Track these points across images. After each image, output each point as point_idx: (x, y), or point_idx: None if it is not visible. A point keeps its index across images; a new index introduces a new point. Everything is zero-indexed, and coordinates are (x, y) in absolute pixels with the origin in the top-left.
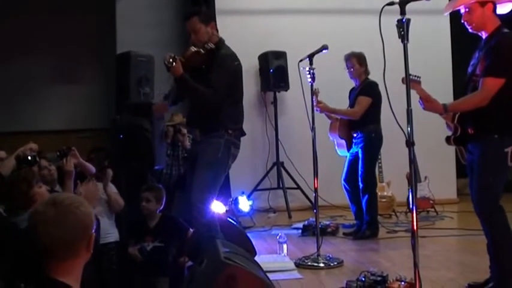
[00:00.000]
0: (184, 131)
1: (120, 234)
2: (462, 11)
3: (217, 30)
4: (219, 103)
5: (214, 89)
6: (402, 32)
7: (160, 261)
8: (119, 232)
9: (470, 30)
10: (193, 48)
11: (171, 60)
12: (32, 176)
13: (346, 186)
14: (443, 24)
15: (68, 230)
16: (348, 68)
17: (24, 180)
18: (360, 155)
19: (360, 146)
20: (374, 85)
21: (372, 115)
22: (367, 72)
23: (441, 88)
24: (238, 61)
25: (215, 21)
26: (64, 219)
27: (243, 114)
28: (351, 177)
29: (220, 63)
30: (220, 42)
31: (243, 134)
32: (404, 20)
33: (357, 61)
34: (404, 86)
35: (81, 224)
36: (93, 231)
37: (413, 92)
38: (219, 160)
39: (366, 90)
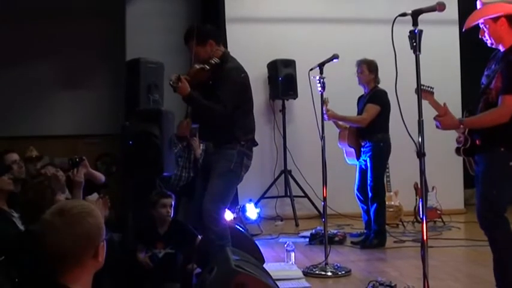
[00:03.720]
0: (196, 138)
1: (126, 240)
2: (481, 27)
3: (217, 44)
4: (229, 116)
5: (224, 105)
6: (414, 43)
7: (171, 268)
8: (125, 238)
9: (489, 45)
10: (197, 66)
11: (175, 80)
12: (56, 185)
13: (360, 196)
14: (453, 34)
15: (72, 239)
16: (357, 73)
17: (48, 188)
18: (368, 164)
19: (368, 155)
20: (383, 93)
21: (380, 124)
22: (376, 81)
23: (450, 98)
24: (245, 73)
25: (214, 37)
26: (70, 228)
27: (255, 124)
28: (363, 188)
29: (226, 77)
30: (224, 56)
31: (255, 144)
32: (416, 31)
33: (366, 67)
34: (415, 96)
35: (87, 234)
36: (102, 241)
37: (425, 103)
38: (232, 171)
39: (375, 98)
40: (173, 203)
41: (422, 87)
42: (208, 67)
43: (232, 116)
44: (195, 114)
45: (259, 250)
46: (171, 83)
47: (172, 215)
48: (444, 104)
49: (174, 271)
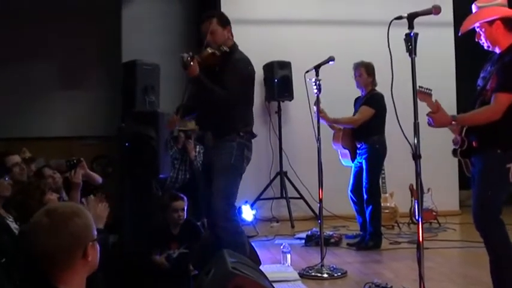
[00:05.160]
0: (191, 141)
1: (122, 242)
2: (477, 30)
3: (232, 35)
4: (232, 105)
5: (229, 91)
6: (410, 46)
7: (186, 267)
8: (121, 240)
9: (486, 48)
10: (209, 50)
11: (189, 58)
12: (45, 185)
13: (353, 197)
14: (448, 36)
15: (59, 239)
16: (355, 77)
17: (37, 189)
18: (364, 166)
19: (363, 157)
20: (379, 97)
21: (376, 126)
22: (374, 83)
23: (445, 99)
24: (252, 66)
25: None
26: (55, 229)
27: (253, 118)
28: (357, 189)
29: (234, 66)
30: (234, 47)
31: (254, 135)
32: (412, 34)
33: (365, 70)
34: (410, 98)
35: (73, 234)
36: (93, 241)
37: (421, 105)
38: (234, 165)
39: (370, 101)
40: (185, 206)
41: (421, 89)
42: (218, 53)
43: (234, 106)
44: (196, 99)
45: (256, 252)
46: (184, 60)
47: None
48: (436, 100)
49: (188, 270)
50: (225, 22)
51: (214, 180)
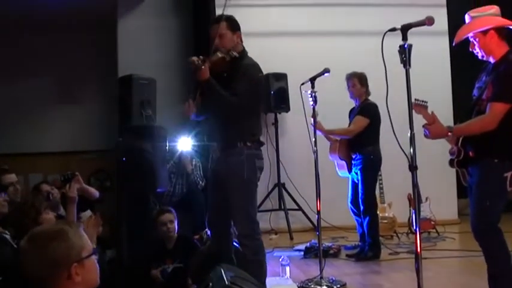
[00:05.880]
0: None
1: (119, 257)
2: (471, 40)
3: (241, 41)
4: (240, 111)
5: (239, 97)
6: (404, 58)
7: (180, 282)
8: (118, 254)
9: (480, 58)
10: (219, 54)
11: (199, 62)
12: (40, 203)
13: (353, 209)
14: (443, 45)
15: (39, 264)
16: (348, 88)
17: (32, 207)
18: (359, 177)
19: (358, 168)
20: (373, 106)
21: (370, 136)
22: (367, 93)
23: (441, 109)
24: (262, 72)
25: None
26: (36, 253)
27: (261, 127)
28: (356, 200)
29: (244, 72)
30: (244, 53)
31: (262, 144)
32: (406, 45)
33: (358, 81)
34: (405, 108)
35: (52, 258)
36: (79, 261)
37: (416, 116)
38: (248, 180)
39: (364, 110)
40: (175, 218)
41: (416, 101)
42: (228, 58)
43: (242, 113)
44: (204, 107)
45: None
46: (195, 62)
47: (176, 230)
48: (432, 112)
49: (184, 285)
50: (235, 27)
51: (231, 199)
